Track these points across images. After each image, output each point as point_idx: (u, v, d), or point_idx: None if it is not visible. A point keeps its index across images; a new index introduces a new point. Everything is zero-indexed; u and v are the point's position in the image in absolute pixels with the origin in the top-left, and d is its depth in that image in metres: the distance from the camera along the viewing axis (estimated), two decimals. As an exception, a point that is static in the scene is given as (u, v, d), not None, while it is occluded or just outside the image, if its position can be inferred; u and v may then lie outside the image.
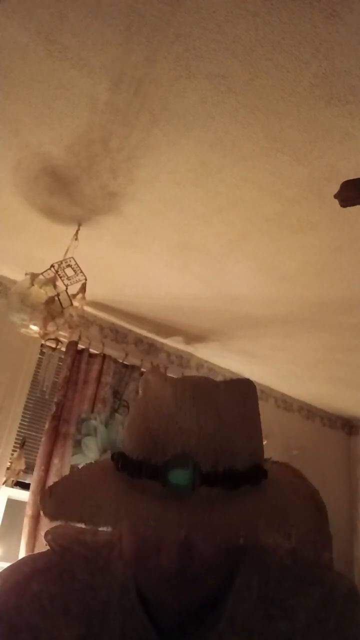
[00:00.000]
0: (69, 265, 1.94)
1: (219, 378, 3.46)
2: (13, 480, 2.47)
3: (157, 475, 0.49)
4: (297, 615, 0.53)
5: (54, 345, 2.58)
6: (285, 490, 0.55)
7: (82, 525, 0.52)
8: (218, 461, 0.50)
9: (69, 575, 0.58)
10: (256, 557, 0.57)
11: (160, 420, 0.52)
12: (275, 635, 0.52)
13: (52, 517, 0.52)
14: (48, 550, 0.63)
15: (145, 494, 0.49)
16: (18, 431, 2.56)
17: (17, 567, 0.61)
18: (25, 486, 2.48)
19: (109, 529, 0.61)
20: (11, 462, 2.47)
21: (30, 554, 0.63)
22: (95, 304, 2.75)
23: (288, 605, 0.54)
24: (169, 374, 2.90)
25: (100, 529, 0.56)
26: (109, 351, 2.86)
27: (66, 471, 2.50)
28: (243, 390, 0.57)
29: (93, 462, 0.61)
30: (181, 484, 0.48)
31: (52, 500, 0.52)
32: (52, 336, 2.05)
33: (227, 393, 0.55)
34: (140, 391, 0.58)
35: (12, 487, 2.47)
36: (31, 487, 2.40)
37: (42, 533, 2.30)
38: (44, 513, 0.51)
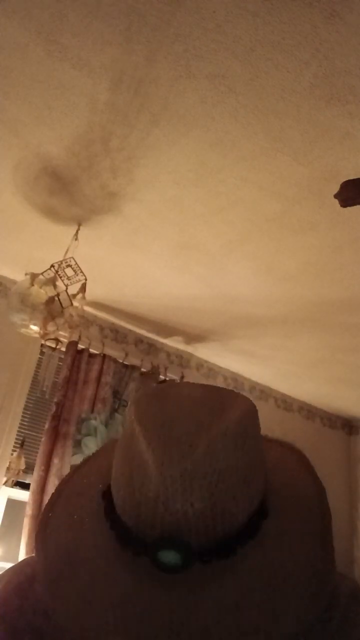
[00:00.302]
0: (69, 265, 1.94)
1: (219, 378, 3.47)
2: (13, 480, 2.47)
3: (145, 552, 0.47)
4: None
5: (54, 345, 2.58)
6: (288, 524, 0.52)
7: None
8: (212, 533, 0.46)
9: None
10: None
11: (146, 494, 0.47)
12: None
13: (43, 593, 0.50)
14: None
15: (134, 571, 0.47)
16: (18, 431, 2.56)
17: (19, 569, 0.60)
18: (25, 486, 2.48)
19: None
20: (11, 462, 2.47)
21: (32, 555, 0.63)
22: (95, 304, 2.75)
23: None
24: (169, 375, 2.89)
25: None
26: (109, 351, 2.86)
27: (66, 471, 2.50)
28: (244, 430, 0.51)
29: (83, 502, 0.57)
30: (172, 563, 0.45)
31: (43, 570, 0.50)
32: (52, 336, 2.05)
33: (225, 440, 0.48)
34: (127, 421, 0.53)
35: (12, 487, 2.47)
36: (31, 487, 2.40)
37: (42, 533, 2.30)
38: (36, 573, 0.50)
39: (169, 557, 0.45)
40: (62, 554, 0.52)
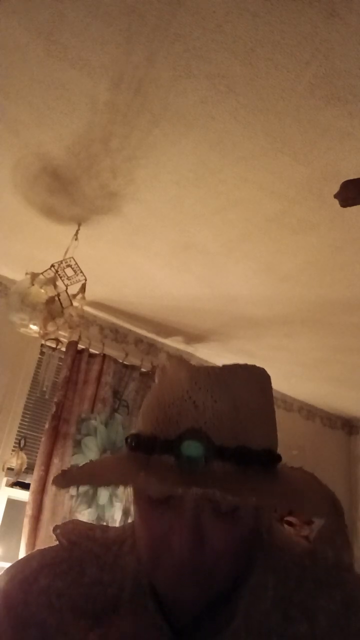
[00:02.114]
0: (69, 265, 1.94)
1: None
2: (13, 480, 2.47)
3: (170, 448, 0.49)
4: (317, 618, 0.51)
5: (54, 345, 2.58)
6: (302, 485, 0.55)
7: (90, 486, 0.53)
8: (231, 437, 0.50)
9: (77, 571, 0.58)
10: (273, 556, 0.56)
11: (175, 397, 0.52)
12: (294, 638, 0.51)
13: (61, 485, 0.53)
14: (57, 545, 0.62)
15: (158, 468, 0.49)
16: (18, 431, 2.56)
17: (25, 562, 0.61)
18: (25, 486, 2.48)
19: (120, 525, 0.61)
20: (11, 462, 2.47)
21: (39, 548, 0.63)
22: (95, 304, 2.75)
23: (308, 608, 0.52)
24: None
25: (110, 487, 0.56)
26: (109, 351, 2.86)
27: (66, 471, 2.50)
28: (259, 379, 0.57)
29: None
30: (194, 455, 0.48)
31: (63, 474, 0.54)
32: (52, 336, 2.05)
33: (244, 378, 0.55)
34: (156, 377, 0.58)
35: (12, 487, 2.47)
36: (31, 487, 2.40)
37: (42, 533, 2.30)
38: (54, 482, 0.53)
39: (192, 448, 0.48)
40: (83, 465, 0.56)
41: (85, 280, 2.00)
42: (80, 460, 2.63)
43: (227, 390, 0.52)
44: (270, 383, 0.59)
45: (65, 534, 0.62)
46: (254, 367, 0.57)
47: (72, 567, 0.58)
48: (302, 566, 0.56)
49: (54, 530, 0.63)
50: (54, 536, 0.62)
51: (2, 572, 0.60)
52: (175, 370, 0.55)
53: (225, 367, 0.55)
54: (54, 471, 2.44)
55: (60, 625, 0.53)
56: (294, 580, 0.54)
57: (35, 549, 0.63)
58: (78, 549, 0.60)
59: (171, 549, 0.49)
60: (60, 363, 2.71)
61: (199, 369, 0.54)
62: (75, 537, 0.62)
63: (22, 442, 2.54)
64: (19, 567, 0.60)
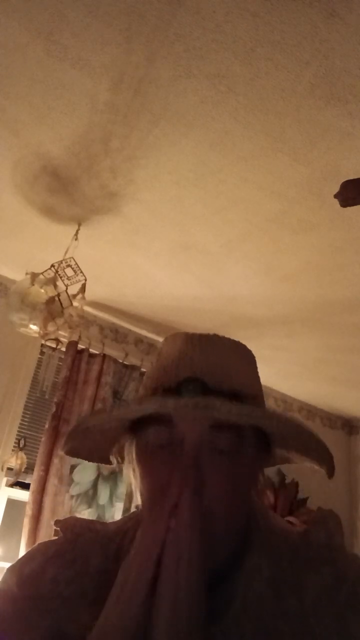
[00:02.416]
0: (69, 265, 1.94)
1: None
2: (13, 480, 2.47)
3: (170, 393, 0.54)
4: (307, 592, 0.52)
5: (54, 345, 2.58)
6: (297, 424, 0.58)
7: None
8: (224, 383, 0.54)
9: (83, 561, 0.58)
10: (267, 539, 0.57)
11: (173, 356, 0.58)
12: (285, 614, 0.51)
13: (75, 431, 0.58)
14: (58, 537, 0.63)
15: (161, 399, 0.54)
16: (18, 431, 2.56)
17: (30, 557, 0.61)
18: (25, 486, 2.47)
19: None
20: (11, 462, 2.47)
21: (42, 541, 0.63)
22: (95, 304, 2.75)
23: (298, 583, 0.53)
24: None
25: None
26: (109, 351, 2.85)
27: (66, 471, 2.51)
28: (244, 348, 0.63)
29: None
30: (192, 396, 0.52)
31: (77, 424, 0.58)
32: (52, 336, 2.05)
33: (232, 343, 0.61)
34: (156, 354, 0.64)
35: (12, 487, 2.47)
36: (31, 487, 2.40)
37: (42, 533, 2.30)
38: (65, 441, 0.59)
39: (190, 390, 0.53)
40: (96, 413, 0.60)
41: (85, 280, 1.99)
42: (80, 460, 2.63)
43: (218, 348, 0.59)
44: (253, 356, 0.64)
45: (68, 527, 0.63)
46: (241, 343, 0.64)
47: (77, 557, 0.59)
48: (294, 547, 0.57)
49: (56, 524, 0.64)
50: (55, 530, 0.63)
51: (7, 571, 0.60)
52: (172, 339, 0.61)
53: (215, 334, 0.61)
54: (54, 471, 2.44)
55: (72, 614, 0.54)
56: (287, 561, 0.55)
57: (39, 543, 0.63)
58: (82, 540, 0.61)
59: (171, 495, 0.50)
60: (60, 363, 2.71)
61: (193, 334, 0.60)
62: (78, 529, 0.63)
63: (22, 442, 2.54)
64: (25, 562, 0.60)
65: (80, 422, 0.58)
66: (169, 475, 0.51)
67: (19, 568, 0.59)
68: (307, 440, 0.55)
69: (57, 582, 0.56)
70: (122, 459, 0.63)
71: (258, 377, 0.62)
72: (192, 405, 0.50)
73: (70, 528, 0.63)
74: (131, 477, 0.60)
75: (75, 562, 0.58)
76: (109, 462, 0.66)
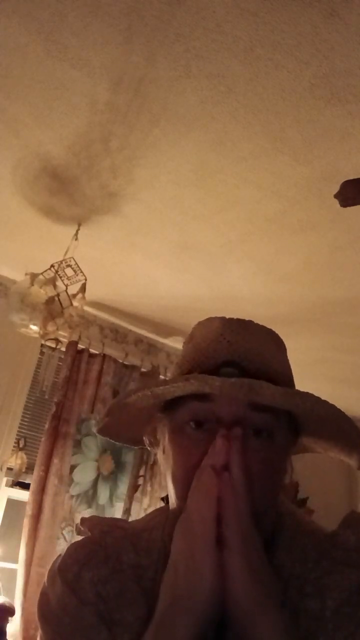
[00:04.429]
0: (68, 265, 1.94)
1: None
2: (13, 480, 2.47)
3: (210, 372, 0.54)
4: (330, 595, 0.51)
5: (54, 345, 2.58)
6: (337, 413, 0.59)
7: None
8: (261, 367, 0.56)
9: (115, 558, 0.58)
10: (293, 539, 0.57)
11: (210, 339, 0.59)
12: (306, 612, 0.51)
13: (123, 400, 0.58)
14: (86, 537, 0.62)
15: (203, 377, 0.54)
16: (18, 431, 2.56)
17: (62, 563, 0.59)
18: (25, 486, 2.48)
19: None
20: (11, 462, 2.47)
21: (72, 543, 0.63)
22: (95, 304, 2.75)
23: (322, 584, 0.53)
24: (169, 374, 2.90)
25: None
26: (109, 351, 2.86)
27: (66, 471, 2.51)
28: (276, 336, 0.64)
29: None
30: (230, 373, 0.53)
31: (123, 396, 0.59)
32: (52, 336, 2.05)
33: (266, 330, 0.62)
34: (189, 336, 0.65)
35: (12, 487, 2.47)
36: (31, 487, 2.40)
37: (42, 533, 2.30)
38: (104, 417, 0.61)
39: (228, 373, 0.54)
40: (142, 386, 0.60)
41: (85, 280, 1.99)
42: (80, 460, 2.64)
43: (255, 333, 0.60)
44: (285, 344, 0.65)
45: (94, 526, 0.62)
46: (271, 329, 0.66)
47: (109, 555, 0.58)
48: (321, 548, 0.56)
49: (82, 523, 0.63)
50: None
51: (49, 579, 0.58)
52: (208, 322, 0.62)
53: (250, 320, 0.63)
54: (54, 471, 2.44)
55: (114, 614, 0.53)
56: (312, 562, 0.55)
57: (69, 545, 0.62)
58: (111, 537, 0.60)
59: (219, 454, 0.51)
60: (60, 363, 2.71)
61: (230, 318, 0.61)
62: (105, 527, 0.62)
63: (22, 442, 2.54)
64: (56, 571, 0.58)
65: (122, 397, 0.58)
66: (203, 454, 0.52)
67: (53, 579, 0.58)
68: (341, 425, 0.57)
69: (94, 584, 0.55)
70: (154, 440, 0.63)
71: (289, 364, 0.63)
72: (238, 385, 0.50)
73: (98, 527, 0.62)
74: (161, 459, 0.61)
75: (108, 561, 0.57)
76: (138, 444, 0.66)
